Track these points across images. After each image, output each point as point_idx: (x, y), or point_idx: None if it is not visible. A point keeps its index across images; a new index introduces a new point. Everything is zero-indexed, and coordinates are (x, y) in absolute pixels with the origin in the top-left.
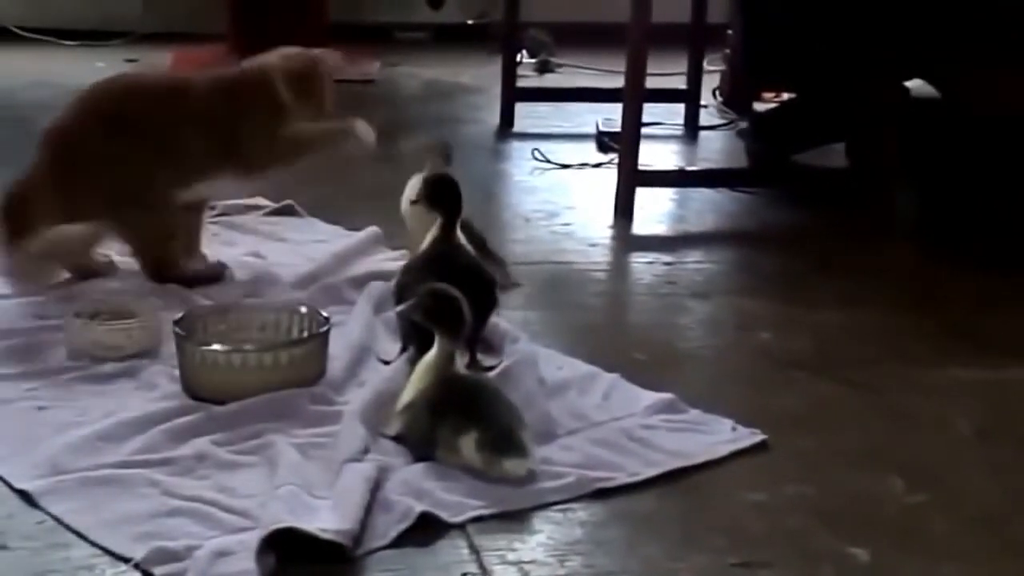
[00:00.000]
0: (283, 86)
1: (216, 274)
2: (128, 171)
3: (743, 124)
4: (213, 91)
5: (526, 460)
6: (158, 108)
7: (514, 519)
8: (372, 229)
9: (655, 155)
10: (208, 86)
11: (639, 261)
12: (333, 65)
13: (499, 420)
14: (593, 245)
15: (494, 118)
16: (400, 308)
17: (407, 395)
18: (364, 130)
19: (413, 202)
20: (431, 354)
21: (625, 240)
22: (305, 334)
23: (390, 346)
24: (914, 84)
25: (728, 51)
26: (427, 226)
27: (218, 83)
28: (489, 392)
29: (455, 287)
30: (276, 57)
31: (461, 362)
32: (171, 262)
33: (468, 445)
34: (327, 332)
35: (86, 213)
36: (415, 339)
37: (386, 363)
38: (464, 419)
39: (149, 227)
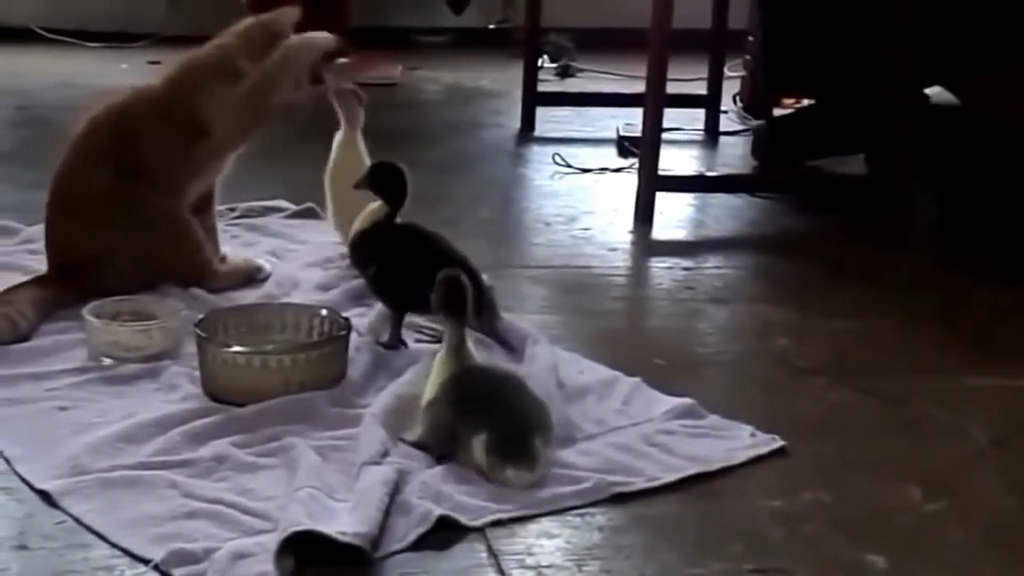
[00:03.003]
0: (245, 61)
1: (250, 277)
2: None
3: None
4: (167, 85)
5: (532, 472)
6: (120, 125)
7: (533, 523)
8: None
9: (675, 160)
10: (163, 82)
11: (658, 266)
12: (290, 22)
13: (513, 423)
14: (613, 250)
15: (515, 122)
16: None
17: (429, 392)
18: (306, 41)
19: (355, 186)
20: (443, 346)
21: (645, 245)
22: (325, 336)
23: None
24: (934, 91)
25: (748, 57)
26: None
27: (172, 76)
28: (509, 389)
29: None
30: (235, 38)
31: (475, 349)
32: (208, 274)
33: (478, 446)
34: (347, 335)
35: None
36: (396, 306)
37: (385, 345)
38: (479, 418)
39: (173, 249)
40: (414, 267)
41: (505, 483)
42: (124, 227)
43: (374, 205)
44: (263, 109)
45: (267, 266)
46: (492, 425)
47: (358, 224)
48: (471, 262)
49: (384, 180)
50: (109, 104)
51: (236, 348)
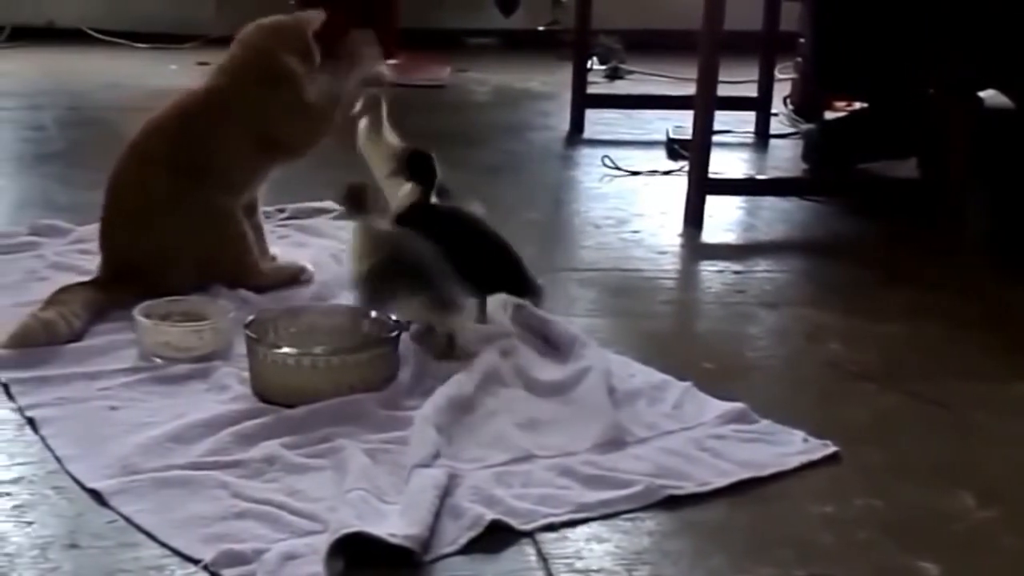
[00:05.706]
0: (288, 58)
1: (294, 278)
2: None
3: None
4: (232, 86)
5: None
6: (185, 129)
7: (582, 527)
8: None
9: (725, 163)
10: (226, 84)
11: (708, 269)
12: (314, 20)
13: (443, 284)
14: (662, 253)
15: (564, 124)
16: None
17: (357, 267)
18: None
19: (387, 176)
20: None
21: (694, 248)
22: (374, 338)
23: None
24: (987, 94)
25: (799, 60)
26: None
27: (232, 77)
28: (428, 257)
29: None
30: (268, 33)
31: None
32: (253, 275)
33: (420, 304)
34: (397, 336)
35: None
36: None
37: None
38: (416, 283)
39: (226, 250)
40: (459, 249)
41: (449, 329)
42: (182, 230)
43: (406, 189)
44: (330, 120)
45: (311, 267)
46: (429, 287)
47: (398, 206)
48: (512, 247)
49: (419, 166)
50: (168, 108)
51: (286, 349)
